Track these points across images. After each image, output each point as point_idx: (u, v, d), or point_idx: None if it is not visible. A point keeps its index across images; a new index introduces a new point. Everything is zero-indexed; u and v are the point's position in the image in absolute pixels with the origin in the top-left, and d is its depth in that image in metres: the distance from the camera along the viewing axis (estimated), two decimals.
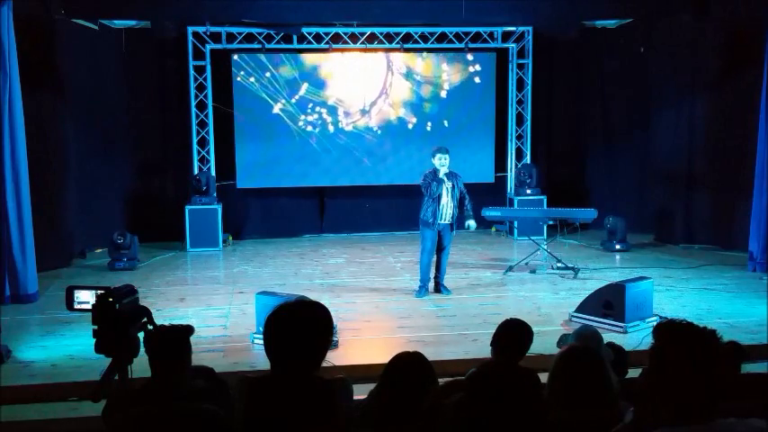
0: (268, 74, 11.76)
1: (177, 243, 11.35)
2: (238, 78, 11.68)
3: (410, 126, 12.24)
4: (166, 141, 12.04)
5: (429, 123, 12.28)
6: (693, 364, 2.00)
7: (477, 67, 12.25)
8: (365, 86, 12.04)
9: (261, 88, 11.77)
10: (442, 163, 7.97)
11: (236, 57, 11.65)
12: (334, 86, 11.97)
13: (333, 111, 12.02)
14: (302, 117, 11.94)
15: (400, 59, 12.07)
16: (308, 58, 11.88)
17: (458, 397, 2.89)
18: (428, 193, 7.98)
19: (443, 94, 12.25)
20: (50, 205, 9.61)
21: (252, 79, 11.73)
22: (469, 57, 12.20)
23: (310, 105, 11.94)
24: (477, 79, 12.28)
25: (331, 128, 12.05)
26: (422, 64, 12.14)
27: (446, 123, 12.27)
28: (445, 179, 7.97)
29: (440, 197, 7.97)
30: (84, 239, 10.74)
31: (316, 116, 11.98)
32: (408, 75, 12.13)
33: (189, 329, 3.61)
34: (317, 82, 11.93)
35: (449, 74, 12.23)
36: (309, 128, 11.98)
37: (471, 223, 8.19)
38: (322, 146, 12.02)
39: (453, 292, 8.29)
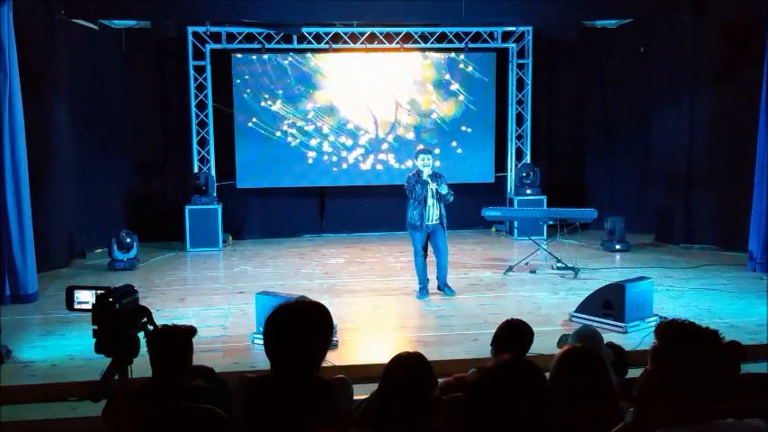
0: (268, 74, 11.76)
1: (177, 243, 11.35)
2: (238, 79, 11.68)
3: (410, 128, 12.25)
4: (166, 141, 12.04)
5: (429, 124, 12.29)
6: (695, 364, 2.00)
7: (477, 68, 12.25)
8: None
9: (261, 88, 11.77)
10: (425, 164, 7.95)
11: (236, 57, 11.65)
12: (331, 91, 11.97)
13: (333, 115, 12.03)
14: (301, 122, 11.96)
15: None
16: (309, 59, 11.89)
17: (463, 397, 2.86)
18: (413, 195, 7.96)
19: (443, 94, 12.25)
20: (50, 205, 9.60)
21: (252, 79, 11.72)
22: (469, 67, 12.21)
23: (310, 110, 11.96)
24: (476, 79, 12.27)
25: (330, 135, 12.06)
26: (421, 67, 12.13)
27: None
28: (429, 181, 7.94)
29: (425, 199, 7.94)
30: (84, 239, 10.74)
31: (313, 125, 12.00)
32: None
33: (192, 330, 3.62)
34: (316, 85, 11.94)
35: (448, 75, 12.22)
36: (307, 128, 12.00)
37: (443, 186, 7.93)
38: (320, 152, 12.04)
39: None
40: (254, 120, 11.80)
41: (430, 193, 7.96)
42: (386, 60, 12.02)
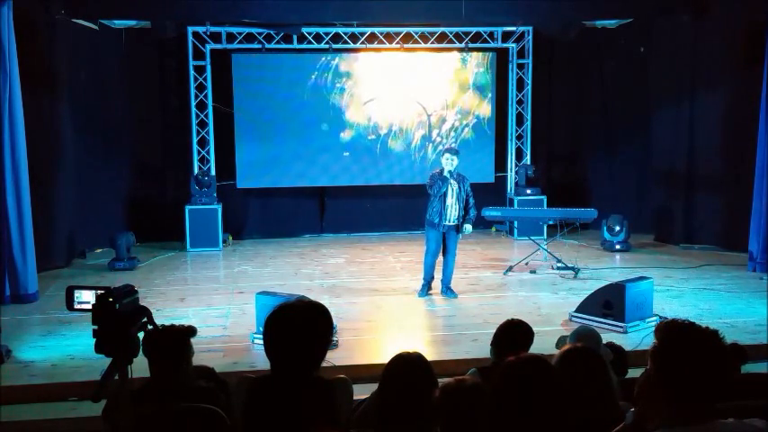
0: (268, 74, 11.75)
1: (177, 243, 11.34)
2: (238, 78, 11.66)
3: (411, 130, 12.25)
4: (166, 141, 12.04)
5: (429, 124, 12.29)
6: (695, 364, 2.00)
7: (477, 68, 12.24)
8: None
9: (261, 88, 11.75)
10: (448, 162, 7.98)
11: (236, 56, 11.63)
12: (331, 90, 11.98)
13: (335, 113, 12.02)
14: (301, 121, 11.95)
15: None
16: (309, 59, 11.90)
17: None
18: (432, 191, 7.97)
19: (443, 94, 12.25)
20: (50, 205, 9.61)
21: (252, 79, 11.71)
22: (470, 58, 12.21)
23: (309, 110, 11.96)
24: (476, 79, 12.27)
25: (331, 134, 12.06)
26: (420, 67, 12.11)
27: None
28: (450, 179, 7.94)
29: (445, 198, 7.94)
30: (84, 239, 10.73)
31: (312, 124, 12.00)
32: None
33: (189, 330, 3.61)
34: (318, 85, 11.94)
35: (448, 74, 12.22)
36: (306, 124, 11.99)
37: (468, 227, 8.15)
38: (320, 147, 12.02)
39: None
40: (254, 119, 11.76)
41: (450, 193, 7.96)
42: (386, 59, 11.99)
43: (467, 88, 12.24)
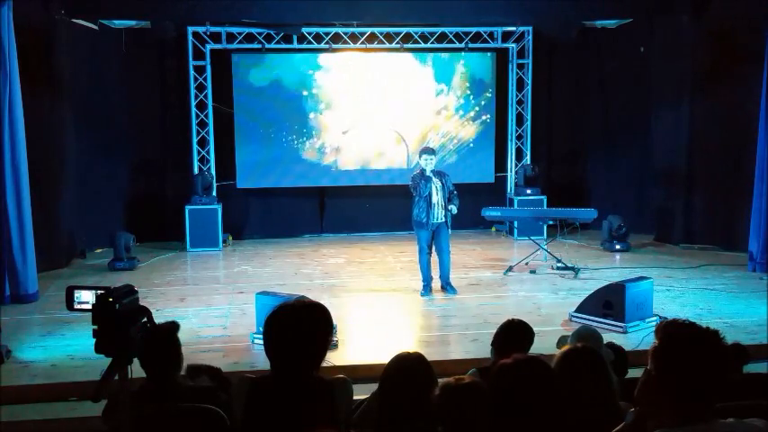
0: (268, 74, 11.75)
1: (177, 243, 11.34)
2: (238, 78, 11.66)
3: (410, 129, 12.24)
4: (166, 142, 12.03)
5: (429, 125, 12.29)
6: (695, 364, 2.00)
7: (477, 68, 12.24)
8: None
9: (261, 88, 11.75)
10: (427, 163, 8.02)
11: (236, 57, 11.63)
12: (330, 90, 11.97)
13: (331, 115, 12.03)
14: (300, 121, 11.95)
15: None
16: (309, 59, 11.89)
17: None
18: (417, 192, 8.01)
19: (443, 95, 12.24)
20: (50, 205, 9.60)
21: (252, 79, 11.71)
22: (469, 67, 12.21)
23: (310, 111, 11.96)
24: (476, 80, 12.27)
25: (328, 134, 12.06)
26: (420, 67, 12.11)
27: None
28: (433, 177, 7.99)
29: (430, 196, 7.98)
30: (84, 239, 10.73)
31: (311, 125, 11.99)
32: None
33: (173, 326, 3.58)
34: (315, 85, 11.93)
35: (447, 75, 12.22)
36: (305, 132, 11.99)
37: (453, 207, 8.13)
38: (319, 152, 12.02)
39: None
40: (254, 119, 11.76)
41: (434, 191, 7.98)
42: (384, 60, 11.98)
43: (466, 91, 12.24)
